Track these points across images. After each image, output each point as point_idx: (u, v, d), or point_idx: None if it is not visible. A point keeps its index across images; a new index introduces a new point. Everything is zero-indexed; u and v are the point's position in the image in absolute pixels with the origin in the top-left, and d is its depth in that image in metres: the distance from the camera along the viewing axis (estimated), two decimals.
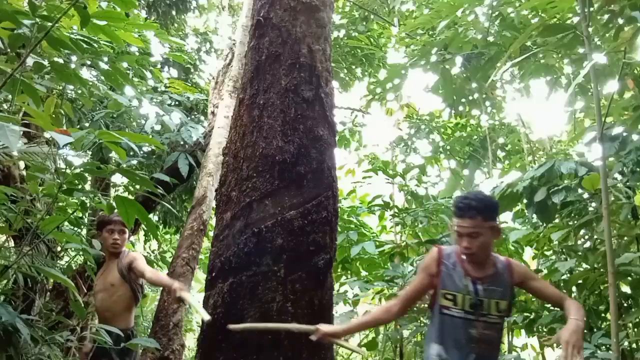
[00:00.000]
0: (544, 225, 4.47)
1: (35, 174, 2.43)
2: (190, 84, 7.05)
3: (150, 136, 5.84)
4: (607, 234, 2.96)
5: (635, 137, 3.92)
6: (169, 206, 6.46)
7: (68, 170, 2.28)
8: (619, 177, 4.10)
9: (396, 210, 6.01)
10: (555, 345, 4.65)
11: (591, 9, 3.47)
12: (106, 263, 3.46)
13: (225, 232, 2.99)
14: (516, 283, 2.34)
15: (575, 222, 4.10)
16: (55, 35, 2.51)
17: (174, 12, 8.87)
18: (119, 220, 3.35)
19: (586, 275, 3.99)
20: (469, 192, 2.61)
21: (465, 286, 2.32)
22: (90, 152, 4.73)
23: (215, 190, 3.33)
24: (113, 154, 5.61)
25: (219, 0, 10.20)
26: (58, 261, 4.54)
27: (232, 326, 2.56)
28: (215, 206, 3.51)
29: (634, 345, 3.77)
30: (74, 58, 3.59)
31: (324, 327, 2.47)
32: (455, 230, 2.37)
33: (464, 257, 2.36)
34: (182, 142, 6.16)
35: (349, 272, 6.23)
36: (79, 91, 3.61)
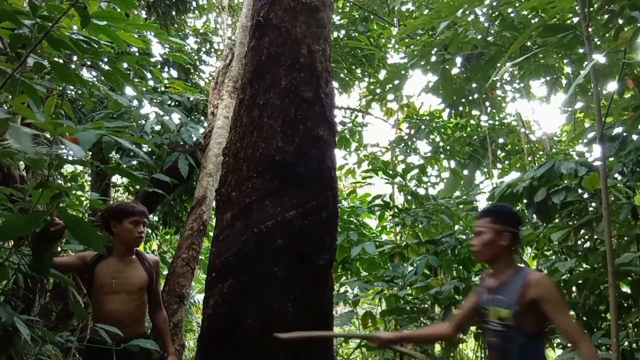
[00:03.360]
0: (544, 225, 4.47)
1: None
2: (190, 84, 7.05)
3: (150, 136, 5.84)
4: (607, 234, 2.96)
5: (635, 137, 3.93)
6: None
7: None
8: (619, 177, 4.10)
9: (396, 210, 6.01)
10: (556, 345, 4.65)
11: (591, 9, 3.47)
12: (116, 258, 2.98)
13: (225, 232, 2.99)
14: (530, 299, 2.27)
15: (575, 222, 4.10)
16: (56, 35, 2.51)
17: (173, 13, 8.87)
18: (144, 212, 3.04)
19: (586, 276, 3.99)
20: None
21: (482, 297, 2.48)
22: (90, 152, 4.73)
23: (215, 191, 3.33)
24: (113, 154, 5.62)
25: (219, 1, 10.21)
26: None
27: (281, 335, 2.51)
28: (215, 206, 3.50)
29: (634, 345, 3.77)
30: (74, 58, 3.59)
31: (384, 335, 2.59)
32: None
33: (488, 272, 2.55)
34: (182, 143, 6.16)
35: (349, 272, 6.23)
36: (79, 91, 3.61)
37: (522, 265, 2.57)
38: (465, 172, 9.19)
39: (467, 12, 5.57)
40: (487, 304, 2.41)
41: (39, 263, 2.38)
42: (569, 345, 3.53)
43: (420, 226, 5.84)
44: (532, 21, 5.40)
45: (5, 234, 2.04)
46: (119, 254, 2.98)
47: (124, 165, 5.12)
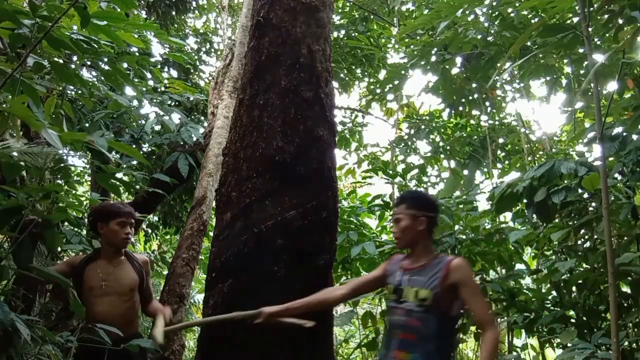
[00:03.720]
0: (544, 225, 4.47)
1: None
2: (190, 84, 7.05)
3: (150, 136, 5.84)
4: (607, 234, 2.95)
5: (635, 137, 3.92)
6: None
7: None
8: (619, 177, 4.10)
9: None
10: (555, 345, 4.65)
11: (591, 9, 3.47)
12: (104, 261, 2.94)
13: (225, 232, 2.99)
14: (451, 282, 2.34)
15: (575, 222, 4.10)
16: (56, 35, 2.52)
17: (173, 13, 8.87)
18: (130, 212, 2.99)
19: (586, 275, 3.98)
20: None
21: (395, 277, 2.49)
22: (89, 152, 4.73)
23: (215, 191, 3.33)
24: (113, 154, 5.61)
25: (219, 1, 10.21)
26: (58, 261, 4.55)
27: (154, 333, 2.57)
28: (215, 206, 3.49)
29: (634, 345, 3.77)
30: (74, 58, 3.59)
31: (266, 309, 2.52)
32: None
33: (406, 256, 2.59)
34: (182, 143, 6.16)
35: (349, 272, 6.23)
36: (79, 91, 3.60)
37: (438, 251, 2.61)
38: (465, 172, 9.19)
39: (467, 12, 5.57)
40: (403, 283, 2.43)
41: (19, 252, 2.40)
42: (568, 345, 3.52)
43: None
44: (532, 21, 5.40)
45: None
46: (107, 256, 2.96)
47: (124, 165, 5.13)
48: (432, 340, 2.29)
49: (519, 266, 5.43)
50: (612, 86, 5.21)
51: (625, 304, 3.89)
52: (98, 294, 2.85)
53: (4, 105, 2.57)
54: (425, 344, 2.29)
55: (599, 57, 3.46)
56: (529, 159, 7.48)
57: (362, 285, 2.68)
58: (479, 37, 5.67)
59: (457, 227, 5.43)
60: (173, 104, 6.29)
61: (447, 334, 2.36)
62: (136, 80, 5.39)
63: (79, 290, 2.92)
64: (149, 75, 5.74)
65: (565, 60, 5.77)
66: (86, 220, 5.52)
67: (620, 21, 3.58)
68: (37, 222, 2.42)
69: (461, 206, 5.68)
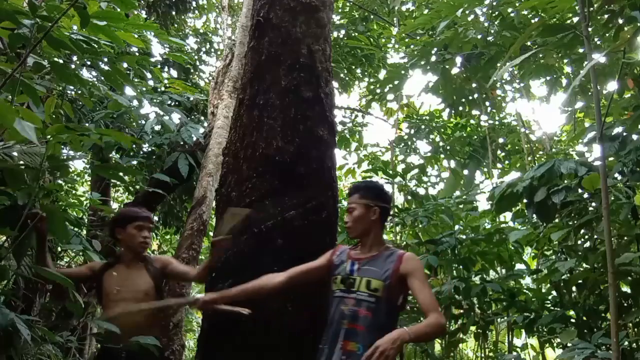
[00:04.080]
0: (544, 225, 4.47)
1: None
2: (190, 84, 7.05)
3: (150, 136, 5.84)
4: (607, 234, 2.95)
5: (635, 136, 3.92)
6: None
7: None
8: (619, 177, 4.10)
9: (396, 210, 6.01)
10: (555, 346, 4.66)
11: (591, 8, 3.47)
12: (122, 265, 2.91)
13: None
14: (402, 274, 2.35)
15: (575, 222, 4.10)
16: (55, 35, 2.51)
17: (173, 13, 8.88)
18: (148, 217, 2.96)
19: (586, 275, 3.99)
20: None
21: (344, 267, 2.46)
22: (90, 152, 4.73)
23: (215, 191, 3.33)
24: (113, 154, 5.62)
25: (219, 1, 10.21)
26: (58, 262, 4.55)
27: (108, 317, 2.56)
28: (215, 206, 3.49)
29: (634, 345, 3.77)
30: (74, 58, 3.59)
31: (202, 296, 2.50)
32: None
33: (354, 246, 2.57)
34: (182, 143, 6.16)
35: None
36: (79, 91, 3.60)
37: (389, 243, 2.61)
38: (465, 172, 9.18)
39: (467, 12, 5.57)
40: (354, 273, 2.41)
41: (18, 248, 2.40)
42: (568, 345, 3.53)
43: (420, 226, 5.84)
44: (532, 21, 5.40)
45: None
46: (125, 261, 2.91)
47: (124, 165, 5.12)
48: (378, 331, 2.27)
49: (519, 266, 5.44)
50: (612, 86, 5.21)
51: (625, 304, 3.90)
52: (113, 299, 2.80)
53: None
54: (371, 334, 2.27)
55: (598, 57, 3.45)
56: (529, 159, 7.48)
57: (303, 274, 2.58)
58: (479, 37, 5.67)
59: (457, 227, 5.43)
60: (173, 104, 6.29)
61: (391, 325, 2.34)
62: (136, 80, 5.39)
63: (99, 296, 2.91)
64: (149, 75, 5.74)
65: (565, 60, 5.76)
66: (86, 220, 5.52)
67: (620, 21, 3.58)
68: (40, 217, 2.41)
69: (461, 206, 5.68)
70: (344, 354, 2.28)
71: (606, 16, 3.63)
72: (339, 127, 10.19)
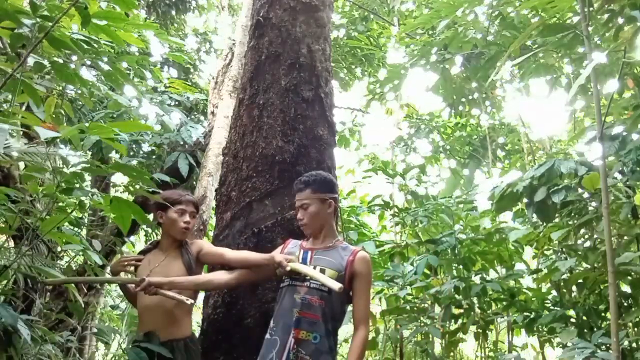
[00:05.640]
0: (544, 224, 4.47)
1: (33, 174, 2.43)
2: (190, 84, 7.05)
3: (150, 136, 5.84)
4: (607, 234, 2.96)
5: (635, 136, 3.92)
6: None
7: (66, 169, 2.27)
8: (619, 176, 4.10)
9: (396, 210, 6.01)
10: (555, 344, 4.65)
11: (591, 8, 3.47)
12: (159, 251, 2.73)
13: (225, 232, 2.99)
14: (353, 270, 2.35)
15: (575, 221, 4.10)
16: (56, 35, 2.52)
17: (173, 12, 8.88)
18: (192, 201, 2.77)
19: (586, 275, 3.99)
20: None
21: (297, 257, 2.45)
22: (90, 152, 4.73)
23: (215, 190, 3.33)
24: (113, 154, 5.62)
25: (218, 0, 10.21)
26: (58, 261, 4.55)
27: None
28: (215, 206, 3.49)
29: (634, 345, 3.77)
30: (74, 58, 3.59)
31: (149, 278, 2.43)
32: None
33: (306, 239, 2.56)
34: (182, 142, 6.16)
35: None
36: (79, 91, 3.60)
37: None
38: (465, 172, 9.19)
39: (467, 12, 5.57)
40: (307, 262, 2.41)
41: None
42: (568, 344, 3.53)
43: (420, 226, 5.84)
44: (532, 21, 5.40)
45: None
46: (163, 247, 2.75)
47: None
48: (331, 320, 2.29)
49: (519, 266, 5.44)
50: (612, 85, 5.21)
51: (625, 304, 3.90)
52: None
53: (4, 106, 2.58)
54: (325, 323, 2.27)
55: (599, 57, 3.45)
56: (529, 158, 7.48)
57: (251, 272, 2.58)
58: (479, 36, 5.68)
59: (457, 226, 5.43)
60: (173, 103, 6.29)
61: (342, 317, 2.37)
62: (136, 80, 5.39)
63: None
64: (149, 75, 5.74)
65: (565, 60, 5.76)
66: (86, 220, 5.52)
67: (620, 21, 3.58)
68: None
69: (461, 206, 5.68)
70: (297, 342, 2.24)
71: (606, 16, 3.63)
72: (339, 127, 10.20)
